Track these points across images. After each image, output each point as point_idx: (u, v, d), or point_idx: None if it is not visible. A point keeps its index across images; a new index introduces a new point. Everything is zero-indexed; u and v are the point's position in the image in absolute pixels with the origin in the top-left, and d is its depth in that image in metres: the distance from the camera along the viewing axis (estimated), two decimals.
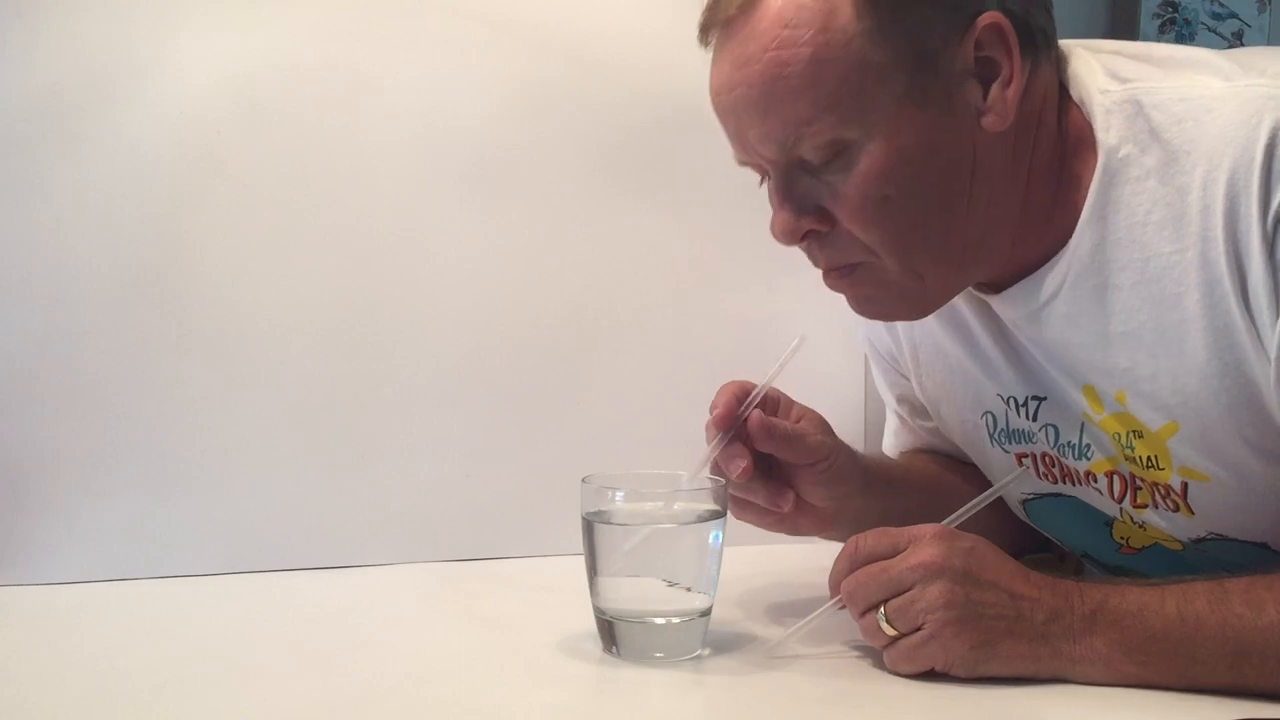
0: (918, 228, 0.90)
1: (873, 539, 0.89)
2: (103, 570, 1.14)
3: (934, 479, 1.14)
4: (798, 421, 1.00)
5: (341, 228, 1.24)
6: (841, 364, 1.35)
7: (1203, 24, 2.52)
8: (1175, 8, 2.48)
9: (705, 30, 0.92)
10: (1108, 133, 0.89)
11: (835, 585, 0.90)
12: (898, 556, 0.87)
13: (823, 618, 0.92)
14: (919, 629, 0.85)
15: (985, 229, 0.91)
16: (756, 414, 0.96)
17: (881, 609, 0.86)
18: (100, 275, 1.17)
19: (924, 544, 0.86)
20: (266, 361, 1.21)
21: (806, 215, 0.91)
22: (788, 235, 0.92)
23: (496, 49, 1.28)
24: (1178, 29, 2.57)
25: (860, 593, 0.88)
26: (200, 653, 0.96)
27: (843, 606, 0.90)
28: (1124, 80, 0.90)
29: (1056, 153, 0.92)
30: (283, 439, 1.21)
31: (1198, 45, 2.26)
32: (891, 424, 1.23)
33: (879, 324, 1.13)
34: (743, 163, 0.95)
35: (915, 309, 0.96)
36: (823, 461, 0.99)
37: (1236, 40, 2.51)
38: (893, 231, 0.90)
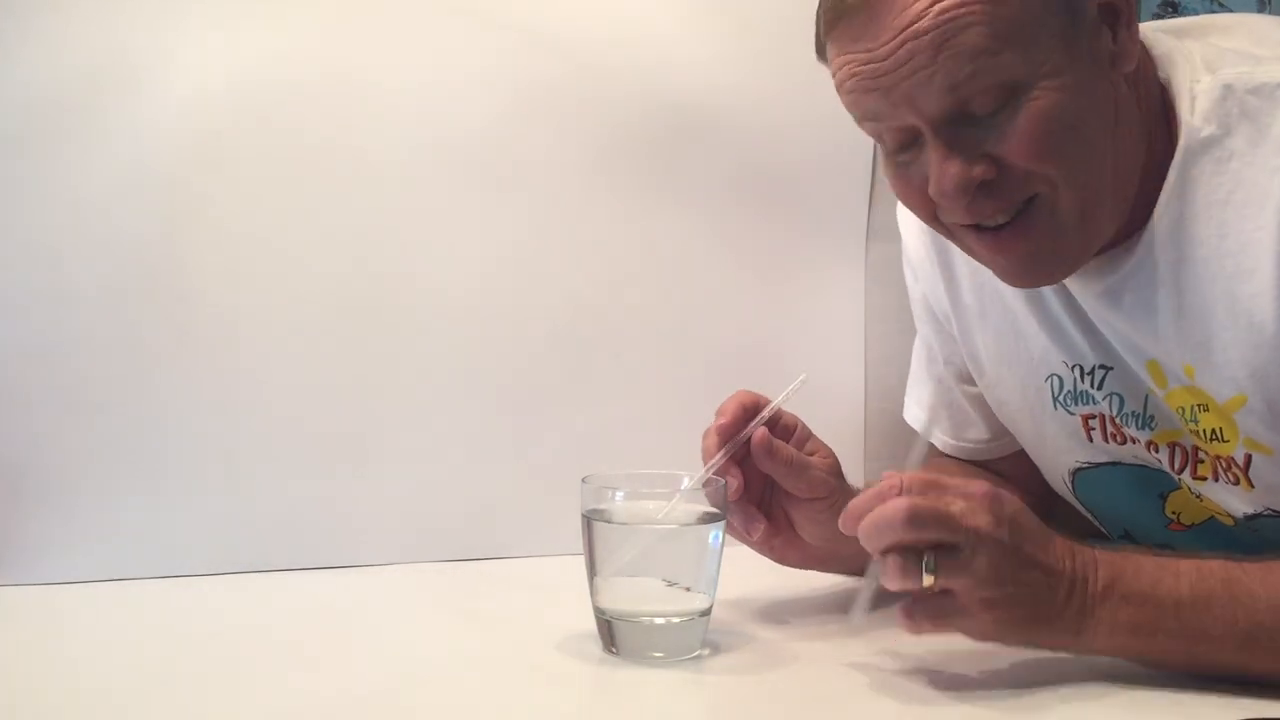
0: (1088, 159, 0.90)
1: (921, 482, 0.85)
2: (103, 570, 1.14)
3: None
4: (810, 455, 1.00)
5: (341, 228, 1.24)
6: (842, 367, 1.35)
7: None
8: (1175, 8, 2.48)
9: (832, 23, 0.90)
10: (1193, 114, 0.91)
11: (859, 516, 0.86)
12: (954, 506, 0.84)
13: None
14: (950, 593, 0.83)
15: (1125, 175, 0.93)
16: (762, 432, 0.96)
17: (929, 556, 0.83)
18: (100, 275, 1.17)
19: (978, 508, 0.84)
20: (266, 361, 1.21)
21: (977, 164, 0.90)
22: (962, 186, 0.90)
23: (497, 49, 1.28)
24: None
25: (916, 523, 0.83)
26: (200, 653, 0.96)
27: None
28: (1215, 70, 0.92)
29: (1155, 120, 0.94)
30: (283, 439, 1.21)
31: None
32: (924, 392, 1.21)
33: (938, 282, 1.12)
34: (877, 132, 0.94)
35: (1070, 261, 0.95)
36: (823, 500, 0.98)
37: None
38: (1068, 160, 0.90)
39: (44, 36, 1.16)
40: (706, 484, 0.95)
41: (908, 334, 1.23)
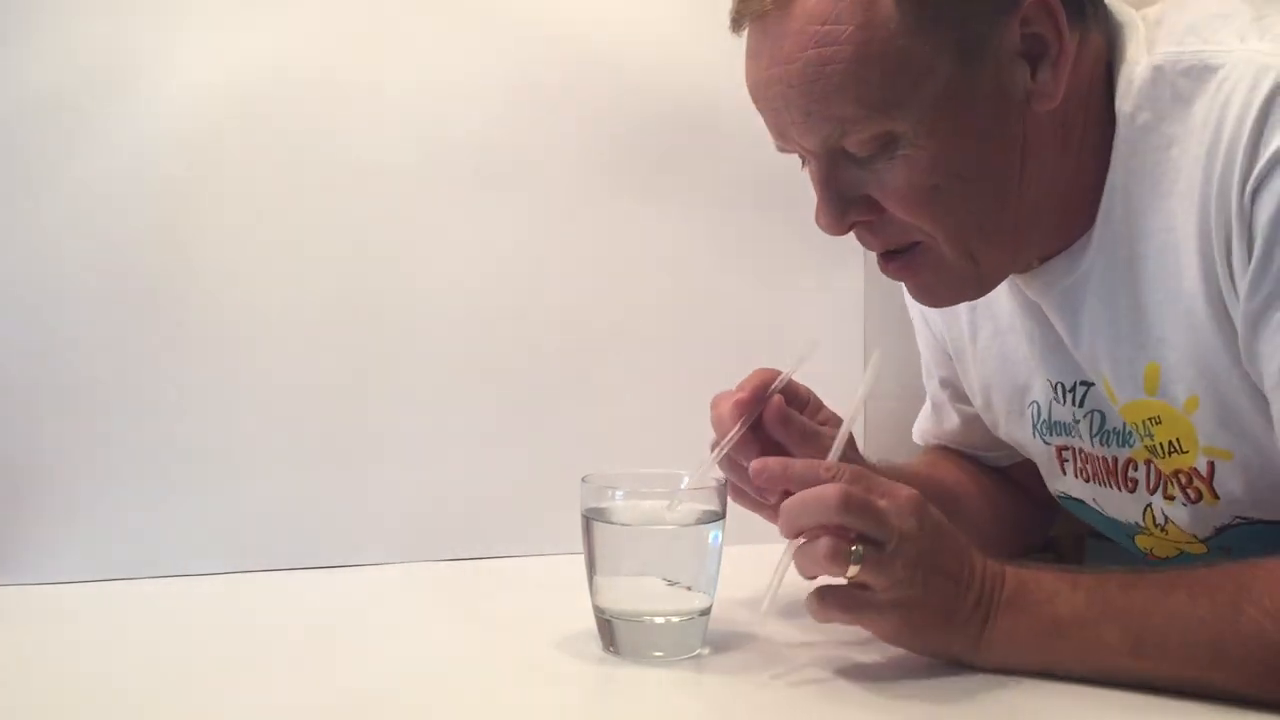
0: (969, 213, 0.88)
1: (853, 473, 0.85)
2: (103, 570, 1.14)
3: (951, 498, 1.11)
4: (823, 424, 1.00)
5: (341, 228, 1.24)
6: (841, 367, 1.35)
7: None
8: None
9: (738, 20, 0.89)
10: (1124, 101, 0.87)
11: (780, 480, 0.86)
12: (884, 502, 0.84)
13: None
14: (865, 587, 0.84)
15: (1038, 205, 0.89)
16: (777, 400, 0.96)
17: (858, 546, 0.82)
18: (99, 276, 1.17)
19: (904, 510, 0.84)
20: (266, 361, 1.21)
21: (853, 206, 0.89)
22: (834, 227, 0.90)
23: (497, 49, 1.28)
24: None
25: (850, 511, 0.83)
26: (200, 653, 0.96)
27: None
28: (1153, 49, 0.88)
29: (1106, 121, 0.89)
30: (282, 439, 1.21)
31: None
32: (926, 408, 1.22)
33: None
34: (783, 149, 0.92)
35: (973, 290, 0.94)
36: None
37: None
38: (944, 218, 0.88)
39: (44, 36, 1.15)
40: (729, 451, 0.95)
41: (907, 335, 1.23)
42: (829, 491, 0.83)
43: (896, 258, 0.92)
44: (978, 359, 1.09)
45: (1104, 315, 0.92)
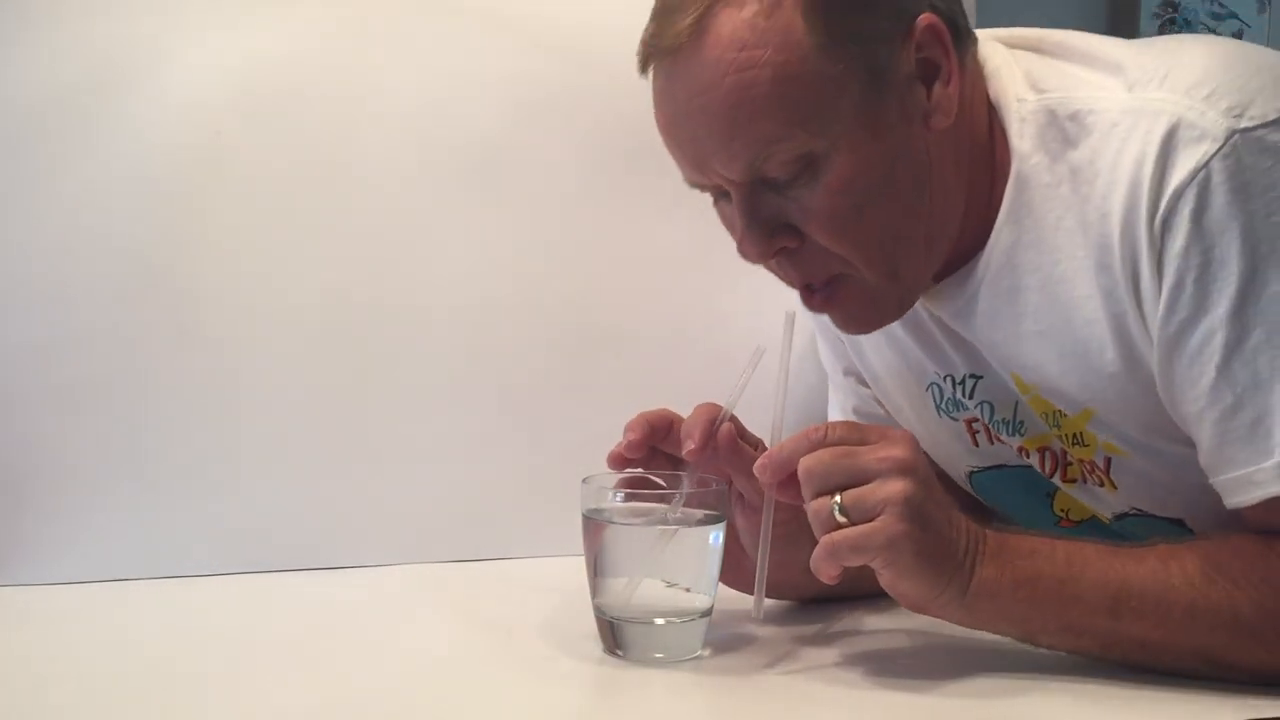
0: (888, 231, 0.91)
1: (842, 428, 0.88)
2: (103, 570, 1.14)
3: None
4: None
5: (343, 227, 1.24)
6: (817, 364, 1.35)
7: (1202, 24, 2.52)
8: (1175, 8, 2.48)
9: (647, 60, 0.91)
10: (1021, 139, 0.92)
11: (782, 464, 0.87)
12: (866, 447, 0.86)
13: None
14: (870, 520, 0.84)
15: (943, 222, 0.94)
16: (727, 430, 0.93)
17: (838, 496, 0.84)
18: (100, 275, 1.17)
19: (894, 441, 0.86)
20: (267, 361, 1.21)
21: (776, 233, 0.91)
22: (759, 255, 0.92)
23: (497, 48, 1.28)
24: (1177, 29, 2.57)
25: (821, 473, 0.85)
26: (200, 653, 0.96)
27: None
28: (1041, 91, 0.93)
29: (986, 144, 0.95)
30: (283, 439, 1.21)
31: None
32: (835, 396, 1.21)
33: None
34: (695, 185, 0.95)
35: (895, 310, 0.97)
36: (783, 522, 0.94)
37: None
38: (865, 238, 0.91)
39: (44, 37, 1.16)
40: (706, 486, 0.94)
41: None
42: (806, 465, 0.85)
43: (818, 292, 0.94)
44: (869, 352, 1.11)
45: (990, 337, 0.96)
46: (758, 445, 0.95)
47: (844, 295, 0.94)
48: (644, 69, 0.92)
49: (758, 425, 0.96)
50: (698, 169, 0.92)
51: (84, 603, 1.09)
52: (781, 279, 0.96)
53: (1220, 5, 2.52)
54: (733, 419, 0.94)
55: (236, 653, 0.96)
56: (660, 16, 0.90)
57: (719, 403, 0.95)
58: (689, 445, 0.93)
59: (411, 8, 1.26)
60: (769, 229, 0.91)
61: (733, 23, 0.86)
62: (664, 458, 0.97)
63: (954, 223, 0.95)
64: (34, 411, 1.15)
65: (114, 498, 1.16)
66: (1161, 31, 2.57)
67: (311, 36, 1.24)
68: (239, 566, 1.17)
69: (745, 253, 0.93)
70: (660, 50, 0.90)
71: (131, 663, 0.94)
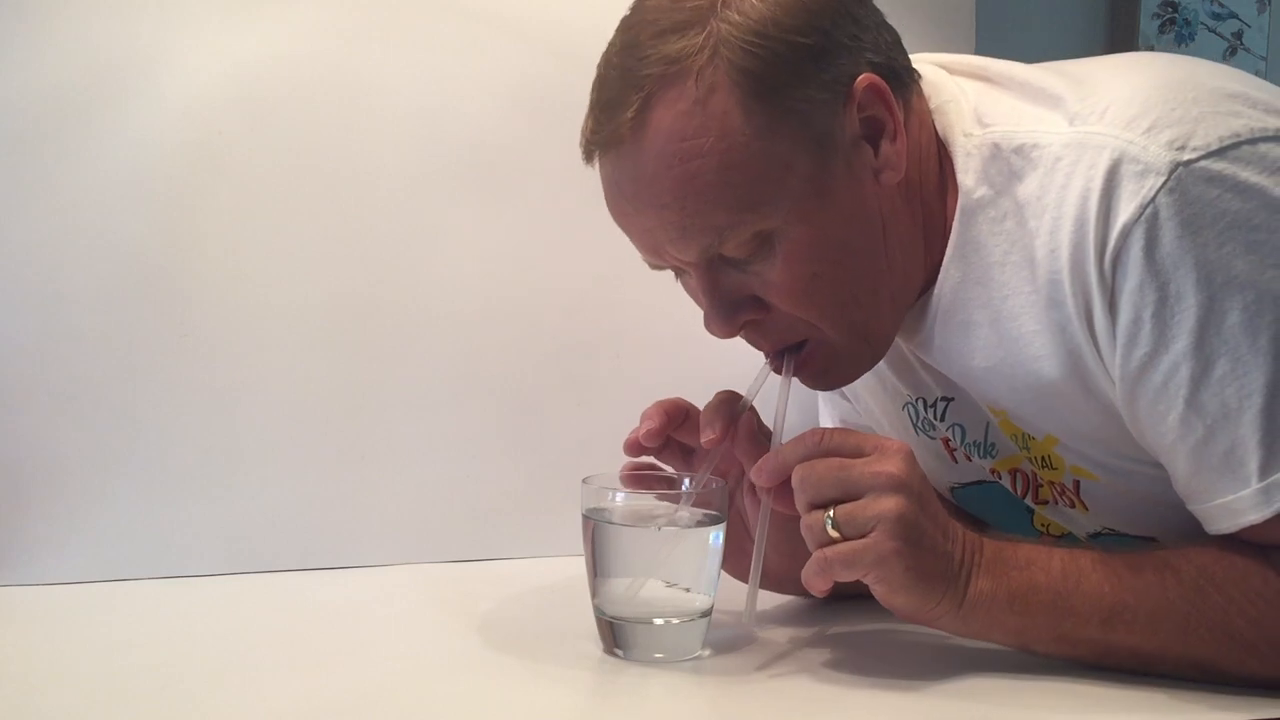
0: (849, 292, 0.91)
1: (839, 436, 0.88)
2: (103, 570, 1.14)
3: None
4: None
5: (342, 228, 1.24)
6: None
7: (1202, 24, 2.52)
8: (1175, 8, 2.48)
9: (589, 151, 0.91)
10: (966, 174, 0.92)
11: (778, 469, 0.88)
12: (860, 460, 0.86)
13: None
14: (862, 536, 0.84)
15: (905, 273, 0.94)
16: (747, 420, 0.95)
17: (830, 511, 0.85)
18: (100, 275, 1.17)
19: (890, 455, 0.86)
20: (267, 361, 1.21)
21: (740, 308, 0.91)
22: (725, 332, 0.92)
23: (497, 48, 1.28)
24: (1177, 29, 2.57)
25: (815, 483, 0.86)
26: (200, 653, 0.96)
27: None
28: (985, 125, 0.92)
29: (938, 182, 0.94)
30: (283, 439, 1.21)
31: (1197, 45, 2.25)
32: (824, 406, 1.21)
33: None
34: (657, 266, 0.95)
35: (868, 363, 0.97)
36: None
37: (1236, 40, 2.51)
38: (828, 302, 0.91)
39: (44, 37, 1.15)
40: (706, 486, 0.95)
41: None
42: (800, 475, 0.86)
43: (787, 356, 0.94)
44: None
45: (949, 369, 0.96)
46: (770, 436, 0.95)
47: (813, 358, 0.94)
48: (589, 160, 0.92)
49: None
50: (654, 254, 0.93)
51: (84, 603, 1.09)
52: (753, 345, 0.95)
53: (1220, 5, 2.52)
54: (751, 409, 0.95)
55: (236, 653, 0.96)
56: (598, 111, 0.90)
57: (736, 390, 0.95)
58: (709, 434, 0.94)
59: (412, 8, 1.26)
60: (733, 304, 0.91)
61: (672, 113, 0.86)
62: (677, 446, 0.98)
63: (916, 272, 0.94)
64: (34, 411, 1.15)
65: (114, 498, 1.16)
66: (1161, 32, 2.57)
67: (312, 37, 1.23)
68: (239, 566, 1.17)
69: (712, 330, 0.93)
70: (600, 143, 0.90)
71: (131, 663, 0.94)
